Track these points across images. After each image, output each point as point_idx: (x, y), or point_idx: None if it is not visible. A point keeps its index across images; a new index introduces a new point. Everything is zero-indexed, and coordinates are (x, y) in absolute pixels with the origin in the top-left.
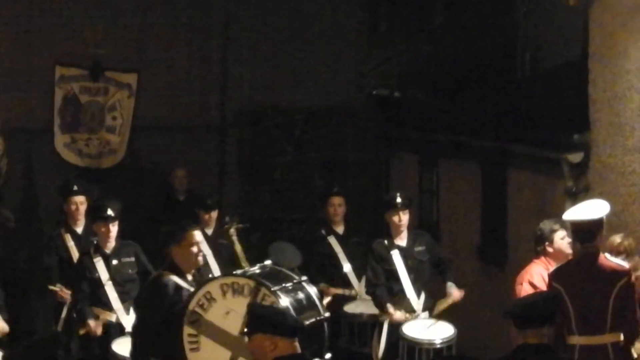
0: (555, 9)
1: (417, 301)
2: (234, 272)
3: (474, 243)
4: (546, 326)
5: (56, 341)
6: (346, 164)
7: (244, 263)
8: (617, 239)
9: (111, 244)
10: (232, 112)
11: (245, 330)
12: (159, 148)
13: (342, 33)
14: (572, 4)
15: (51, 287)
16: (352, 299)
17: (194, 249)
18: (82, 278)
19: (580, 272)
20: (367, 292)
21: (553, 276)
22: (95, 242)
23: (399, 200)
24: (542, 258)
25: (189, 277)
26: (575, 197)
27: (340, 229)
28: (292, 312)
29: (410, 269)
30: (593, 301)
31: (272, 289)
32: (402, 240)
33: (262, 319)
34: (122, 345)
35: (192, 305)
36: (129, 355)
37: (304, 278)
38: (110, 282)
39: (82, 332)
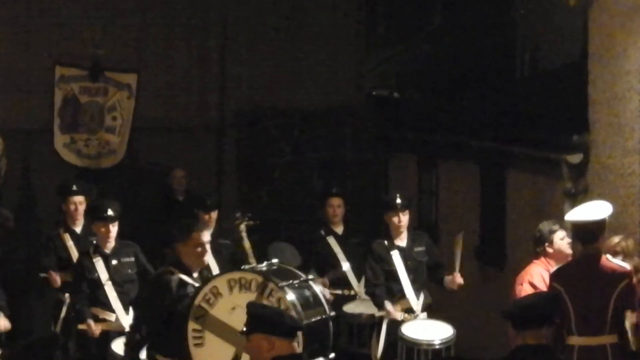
0: (554, 10)
1: (416, 301)
2: (242, 267)
3: (473, 243)
4: (545, 327)
5: (54, 341)
6: (345, 165)
7: (252, 260)
8: (614, 239)
9: (110, 244)
10: (231, 112)
11: (244, 329)
12: (158, 148)
13: (341, 33)
14: (571, 4)
15: (42, 274)
16: (351, 299)
17: (200, 250)
18: (81, 278)
19: (581, 272)
20: (367, 292)
21: (554, 276)
22: (94, 242)
23: (398, 201)
24: (542, 259)
25: (195, 275)
26: (574, 198)
27: (339, 230)
28: (299, 308)
29: (409, 270)
30: (593, 302)
31: (280, 285)
32: (401, 241)
33: (260, 318)
34: (122, 345)
35: (198, 300)
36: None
37: (311, 277)
38: (109, 282)
39: (80, 327)
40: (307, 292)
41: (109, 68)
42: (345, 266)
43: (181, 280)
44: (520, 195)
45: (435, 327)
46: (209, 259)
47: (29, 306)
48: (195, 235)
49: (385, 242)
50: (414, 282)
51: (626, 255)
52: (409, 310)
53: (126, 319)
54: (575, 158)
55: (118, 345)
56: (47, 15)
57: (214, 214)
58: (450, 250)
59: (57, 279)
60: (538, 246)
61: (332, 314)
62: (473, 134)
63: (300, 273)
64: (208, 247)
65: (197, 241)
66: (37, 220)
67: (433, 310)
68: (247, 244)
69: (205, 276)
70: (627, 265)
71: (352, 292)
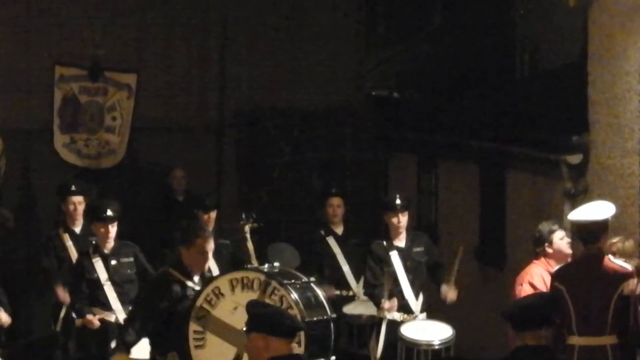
0: (554, 10)
1: (415, 302)
2: (245, 267)
3: (473, 244)
4: (544, 328)
5: (54, 341)
6: (345, 165)
7: (254, 261)
8: (612, 240)
9: (110, 244)
10: (231, 112)
11: (244, 328)
12: (158, 148)
13: (341, 33)
14: (571, 4)
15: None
16: (350, 299)
17: (202, 256)
18: (80, 278)
19: (583, 272)
20: (366, 293)
21: (555, 276)
22: (93, 242)
23: (398, 202)
24: (542, 259)
25: (195, 278)
26: (574, 198)
27: (339, 230)
28: (302, 306)
29: (408, 270)
30: (594, 302)
31: (283, 282)
32: (400, 242)
33: (257, 317)
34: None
35: (200, 301)
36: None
37: (312, 279)
38: (109, 283)
39: (79, 323)
40: (309, 293)
41: (109, 68)
42: (345, 267)
43: (181, 283)
44: (520, 196)
45: (435, 328)
46: (209, 260)
47: (29, 306)
48: (200, 242)
49: (384, 243)
50: (413, 282)
51: (622, 256)
52: (408, 311)
53: None
54: (575, 158)
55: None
56: (47, 15)
57: (213, 214)
58: (448, 254)
59: (66, 297)
60: (538, 246)
61: (334, 315)
62: (473, 134)
63: (302, 275)
64: (211, 254)
65: (202, 248)
66: (36, 220)
67: (432, 311)
68: (250, 245)
69: (207, 278)
70: (629, 266)
71: (351, 293)
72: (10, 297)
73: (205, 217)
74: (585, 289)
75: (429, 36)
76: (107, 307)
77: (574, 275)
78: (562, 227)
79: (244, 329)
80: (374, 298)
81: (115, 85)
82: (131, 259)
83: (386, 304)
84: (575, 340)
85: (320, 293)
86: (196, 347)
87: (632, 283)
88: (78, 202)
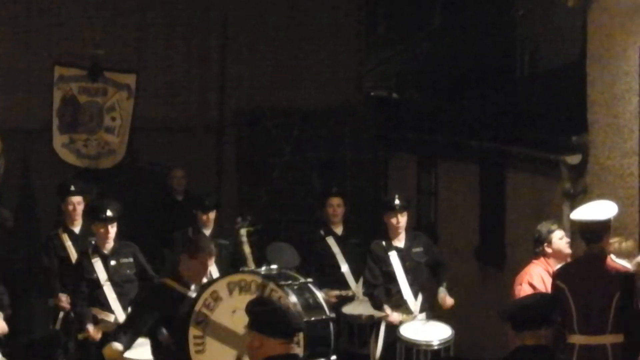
0: (554, 10)
1: (414, 302)
2: (241, 269)
3: (472, 244)
4: (543, 328)
5: (55, 340)
6: (344, 164)
7: (252, 265)
8: (611, 240)
9: (109, 244)
10: (231, 112)
11: (245, 327)
12: (158, 148)
13: (341, 33)
14: (570, 5)
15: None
16: (349, 299)
17: (202, 269)
18: (80, 279)
19: (585, 272)
20: (365, 293)
21: (557, 275)
22: (93, 242)
23: (397, 202)
24: (542, 259)
25: (192, 288)
26: (574, 198)
27: (339, 230)
28: (300, 308)
29: (407, 270)
30: (595, 301)
31: (280, 284)
32: (400, 242)
33: (254, 316)
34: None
35: (199, 305)
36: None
37: (310, 280)
38: (108, 283)
39: (81, 337)
40: (307, 294)
41: (108, 68)
42: (344, 267)
43: (178, 293)
44: (519, 196)
45: (434, 328)
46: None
47: (29, 305)
48: (204, 256)
49: (384, 243)
50: (412, 282)
51: (620, 256)
52: (407, 311)
53: None
54: (575, 159)
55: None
56: (47, 15)
57: (212, 214)
58: (448, 254)
59: (66, 304)
60: (537, 246)
61: (333, 315)
62: (473, 134)
63: (299, 276)
64: (213, 270)
65: (204, 262)
66: (36, 220)
67: (432, 311)
68: (247, 249)
69: (205, 282)
70: (630, 266)
71: (351, 293)
72: (11, 297)
73: (205, 217)
74: (587, 288)
75: (429, 36)
76: (107, 307)
77: (576, 274)
78: (561, 227)
79: (245, 327)
80: (373, 298)
81: (114, 85)
82: (131, 259)
83: (388, 310)
84: (576, 339)
85: (318, 293)
86: (197, 352)
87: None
88: (77, 202)
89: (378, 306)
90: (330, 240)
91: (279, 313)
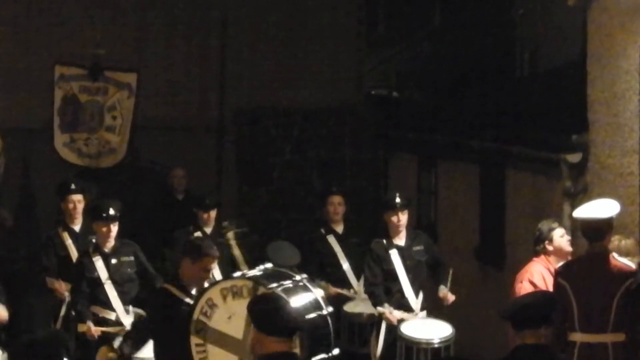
0: (554, 10)
1: (415, 300)
2: (233, 275)
3: (472, 243)
4: (543, 326)
5: (60, 339)
6: (345, 164)
7: (243, 266)
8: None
9: (110, 243)
10: (231, 111)
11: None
12: (158, 147)
13: (341, 33)
14: (570, 4)
15: (50, 285)
16: (350, 298)
17: (204, 274)
18: (81, 277)
19: (587, 270)
20: (365, 292)
21: (559, 272)
22: (94, 241)
23: (398, 200)
24: (542, 256)
25: (193, 292)
26: (574, 197)
27: (339, 228)
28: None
29: (408, 269)
30: (597, 300)
31: (269, 287)
32: (400, 240)
33: (253, 314)
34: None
35: (196, 314)
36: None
37: (305, 276)
38: (109, 281)
39: (80, 330)
40: (301, 292)
41: (109, 67)
42: (345, 265)
43: (178, 300)
44: (519, 195)
45: (435, 326)
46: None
47: (29, 305)
48: (208, 260)
49: (384, 242)
50: (412, 281)
51: (619, 254)
52: (408, 309)
53: (126, 318)
54: (575, 158)
55: (120, 344)
56: (47, 14)
57: (213, 213)
58: (449, 254)
59: (62, 290)
60: (538, 244)
61: (330, 310)
62: (473, 134)
63: (293, 273)
64: (215, 271)
65: (207, 266)
66: (37, 219)
67: (432, 309)
68: (236, 251)
69: (200, 290)
70: (633, 265)
71: (352, 292)
72: (11, 296)
73: (205, 215)
74: (589, 286)
75: (429, 36)
76: (108, 306)
77: (578, 272)
78: (561, 224)
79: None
80: (373, 297)
81: (115, 84)
82: (131, 258)
83: (388, 309)
84: (577, 337)
85: (314, 290)
86: (200, 359)
87: None
88: (78, 201)
89: (378, 305)
90: (331, 239)
91: (278, 312)
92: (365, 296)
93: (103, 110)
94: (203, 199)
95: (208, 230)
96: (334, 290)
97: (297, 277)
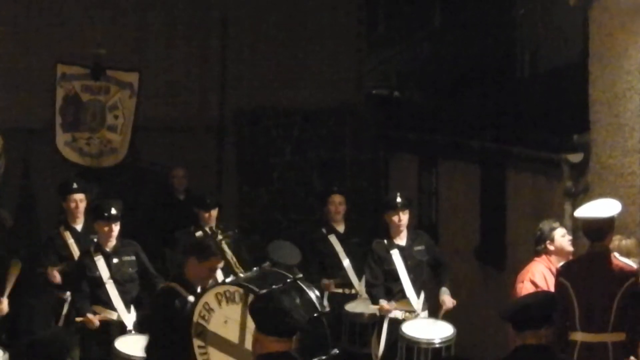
0: (554, 10)
1: (416, 301)
2: (226, 280)
3: (473, 243)
4: (544, 327)
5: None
6: (345, 164)
7: (236, 269)
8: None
9: (112, 242)
10: (232, 111)
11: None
12: (158, 148)
13: (342, 33)
14: (572, 4)
15: (39, 270)
16: (352, 297)
17: (210, 273)
18: (82, 277)
19: (588, 269)
20: (366, 292)
21: (561, 271)
22: (95, 240)
23: (399, 200)
24: (544, 256)
25: (198, 290)
26: (575, 197)
27: (340, 228)
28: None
29: (409, 269)
30: (598, 299)
31: (259, 293)
32: (401, 240)
33: (252, 313)
34: (126, 344)
35: (196, 317)
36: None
37: (299, 276)
38: (110, 281)
39: (79, 320)
40: (294, 294)
41: (111, 67)
42: (346, 265)
43: (184, 298)
44: (520, 195)
45: (436, 326)
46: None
47: (30, 305)
48: (215, 260)
49: (385, 242)
50: (414, 281)
51: (620, 254)
52: (410, 309)
53: (128, 317)
54: (576, 158)
55: (121, 344)
56: (48, 14)
57: (214, 212)
58: (449, 255)
59: (56, 275)
60: (539, 244)
61: (326, 310)
62: (473, 134)
63: (288, 274)
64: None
65: (214, 267)
66: (37, 219)
67: (434, 310)
68: (228, 254)
69: (199, 293)
70: (634, 265)
71: (353, 291)
72: (11, 297)
73: (207, 215)
74: (590, 286)
75: (429, 36)
76: (109, 305)
77: (579, 272)
78: (562, 224)
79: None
80: (373, 298)
81: (117, 84)
82: (133, 258)
83: (384, 302)
84: (578, 336)
85: (308, 290)
86: None
87: None
88: (80, 200)
89: (375, 302)
90: (333, 239)
91: (277, 312)
92: (366, 296)
93: (105, 109)
94: (204, 199)
95: (207, 228)
96: (333, 287)
97: (291, 278)
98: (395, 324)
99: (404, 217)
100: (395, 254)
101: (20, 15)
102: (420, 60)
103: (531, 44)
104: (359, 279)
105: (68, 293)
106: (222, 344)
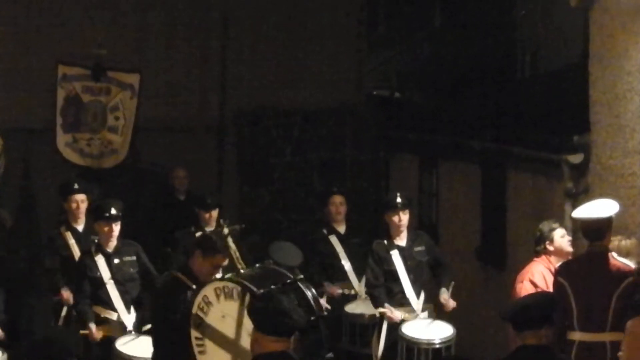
0: (555, 10)
1: (416, 301)
2: (226, 276)
3: (473, 244)
4: (544, 327)
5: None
6: (345, 165)
7: (239, 264)
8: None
9: (113, 243)
10: (232, 112)
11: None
12: (158, 148)
13: (342, 33)
14: (572, 5)
15: (55, 298)
16: (352, 298)
17: (215, 270)
18: (83, 277)
19: (586, 269)
20: (366, 293)
21: (559, 271)
22: (96, 241)
23: (399, 200)
24: (543, 256)
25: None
26: (575, 198)
27: (341, 229)
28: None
29: (409, 269)
30: (596, 299)
31: (257, 293)
32: (401, 241)
33: (251, 312)
34: (126, 344)
35: (195, 308)
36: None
37: (300, 277)
38: (111, 281)
39: (82, 332)
40: (291, 295)
41: (112, 68)
42: (347, 265)
43: (190, 289)
44: (521, 196)
45: (436, 327)
46: None
47: (29, 306)
48: (221, 258)
49: (385, 242)
50: (414, 281)
51: (619, 254)
52: (409, 310)
53: (128, 318)
54: (576, 158)
55: (122, 344)
56: (48, 14)
57: (215, 212)
58: (450, 255)
59: (69, 298)
60: (538, 245)
61: (323, 313)
62: (474, 135)
63: (288, 274)
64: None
65: (218, 264)
66: (37, 220)
67: (434, 310)
68: (232, 248)
69: (199, 285)
70: (632, 264)
71: (353, 292)
72: (12, 297)
73: (207, 215)
74: (588, 286)
75: (430, 36)
76: (110, 305)
77: (578, 272)
78: (562, 226)
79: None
80: (374, 299)
81: (118, 85)
82: (133, 258)
83: (388, 308)
84: (576, 335)
85: (307, 292)
86: (199, 352)
87: None
88: (81, 200)
89: (379, 304)
90: (334, 239)
91: (276, 312)
92: (367, 296)
93: (106, 110)
94: (204, 199)
95: (209, 229)
96: (336, 290)
97: (291, 279)
98: (396, 324)
99: (404, 217)
100: (395, 255)
101: (20, 15)
102: (420, 61)
103: (531, 45)
104: (359, 279)
105: (69, 294)
106: (219, 338)
